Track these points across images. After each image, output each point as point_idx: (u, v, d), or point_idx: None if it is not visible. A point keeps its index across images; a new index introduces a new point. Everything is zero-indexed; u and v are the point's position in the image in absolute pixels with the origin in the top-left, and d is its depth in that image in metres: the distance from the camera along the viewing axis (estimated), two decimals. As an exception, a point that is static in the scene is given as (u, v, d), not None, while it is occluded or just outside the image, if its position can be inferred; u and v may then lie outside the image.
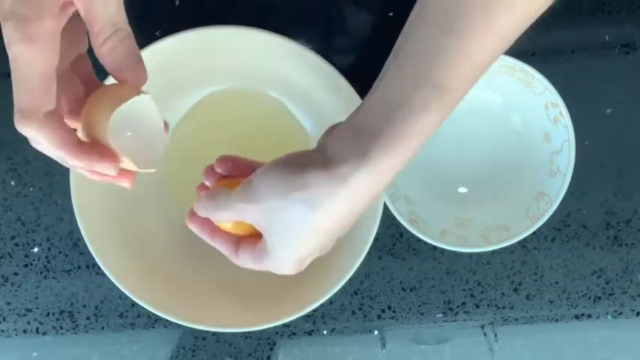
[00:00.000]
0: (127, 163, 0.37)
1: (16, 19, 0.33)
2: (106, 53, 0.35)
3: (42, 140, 0.35)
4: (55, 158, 0.37)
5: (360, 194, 0.36)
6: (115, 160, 0.37)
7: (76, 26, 0.36)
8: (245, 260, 0.42)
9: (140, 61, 0.36)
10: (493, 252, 0.59)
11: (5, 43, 0.33)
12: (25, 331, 0.61)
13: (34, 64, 0.34)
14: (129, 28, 0.36)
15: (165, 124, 0.39)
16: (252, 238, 0.42)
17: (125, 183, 0.39)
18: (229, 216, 0.41)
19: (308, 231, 0.37)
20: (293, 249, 0.39)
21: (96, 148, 0.36)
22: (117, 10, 0.35)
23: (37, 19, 0.33)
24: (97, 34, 0.35)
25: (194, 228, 0.44)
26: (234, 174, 0.44)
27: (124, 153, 0.36)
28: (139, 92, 0.36)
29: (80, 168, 0.37)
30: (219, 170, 0.44)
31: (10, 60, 0.34)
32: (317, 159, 0.36)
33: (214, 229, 0.43)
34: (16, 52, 0.33)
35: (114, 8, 0.35)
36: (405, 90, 0.35)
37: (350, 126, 0.37)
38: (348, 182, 0.35)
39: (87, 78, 0.39)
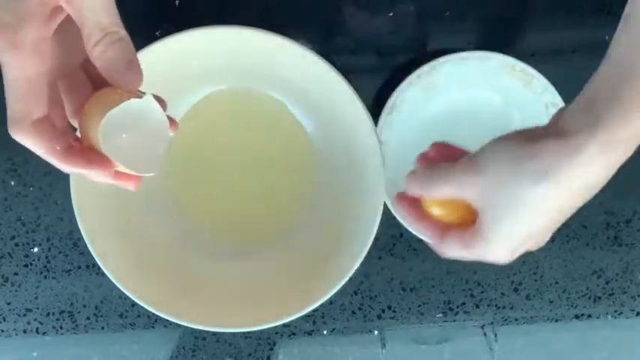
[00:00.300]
0: (124, 167, 0.37)
1: (1, 27, 0.33)
2: (96, 57, 0.35)
3: (30, 146, 0.35)
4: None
5: (593, 167, 0.34)
6: (108, 167, 0.36)
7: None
8: (452, 247, 0.40)
9: (132, 64, 0.36)
10: (493, 252, 0.59)
11: None
12: (25, 331, 0.61)
13: (21, 72, 0.34)
14: (122, 31, 0.36)
15: (173, 123, 0.38)
16: (460, 226, 0.41)
17: (128, 186, 0.39)
18: (447, 191, 0.39)
19: (535, 206, 0.35)
20: (514, 228, 0.37)
21: (87, 154, 0.36)
22: (106, 13, 0.35)
23: (22, 27, 0.33)
24: (87, 37, 0.35)
25: (401, 209, 0.43)
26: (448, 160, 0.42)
27: (117, 158, 0.36)
28: (136, 95, 0.35)
29: (76, 173, 0.37)
30: (432, 154, 0.44)
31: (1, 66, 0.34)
32: (549, 132, 0.35)
33: (421, 214, 0.42)
34: (3, 60, 0.34)
35: (102, 11, 0.35)
36: (638, 54, 0.33)
37: (583, 97, 0.35)
38: (581, 152, 0.33)
39: (98, 78, 0.38)
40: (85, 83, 0.39)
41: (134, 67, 0.36)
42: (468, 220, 0.40)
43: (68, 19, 0.36)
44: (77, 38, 0.36)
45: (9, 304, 0.61)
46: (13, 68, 0.34)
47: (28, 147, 0.35)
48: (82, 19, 0.34)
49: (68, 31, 0.36)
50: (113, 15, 0.35)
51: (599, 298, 0.61)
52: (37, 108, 0.35)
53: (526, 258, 0.60)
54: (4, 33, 0.33)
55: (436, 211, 0.41)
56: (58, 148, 0.36)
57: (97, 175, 0.37)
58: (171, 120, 0.38)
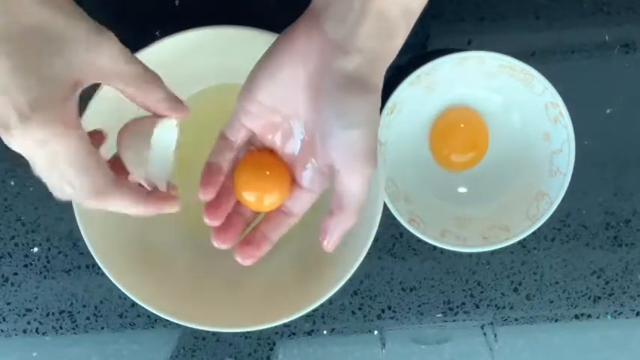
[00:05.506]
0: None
1: (44, 111, 0.33)
2: (142, 103, 0.39)
3: (120, 205, 0.39)
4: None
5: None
6: (174, 203, 0.42)
7: None
8: None
9: (171, 100, 0.41)
10: (493, 252, 0.59)
11: (37, 144, 0.34)
12: (25, 331, 0.61)
13: (80, 146, 0.35)
14: (148, 73, 0.39)
15: (183, 108, 0.43)
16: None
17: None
18: None
19: None
20: None
21: (157, 195, 0.41)
22: (129, 64, 0.37)
23: (63, 108, 0.34)
24: (128, 94, 0.38)
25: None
26: None
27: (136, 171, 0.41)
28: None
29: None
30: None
31: (46, 158, 0.34)
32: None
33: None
34: (58, 142, 0.34)
35: (127, 65, 0.37)
36: None
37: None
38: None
39: None
40: None
41: (179, 102, 0.41)
42: None
43: None
44: None
45: (9, 304, 0.61)
46: (70, 146, 0.34)
47: (118, 207, 0.39)
48: (126, 75, 0.37)
49: None
50: (137, 63, 0.38)
51: (599, 298, 0.61)
52: (107, 171, 0.37)
53: (526, 258, 0.61)
54: (51, 116, 0.33)
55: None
56: (141, 198, 0.40)
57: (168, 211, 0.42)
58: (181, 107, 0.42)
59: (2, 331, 0.61)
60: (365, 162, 0.38)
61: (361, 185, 0.38)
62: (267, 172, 0.42)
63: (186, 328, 0.55)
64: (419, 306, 0.61)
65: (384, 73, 0.38)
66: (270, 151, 0.43)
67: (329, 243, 0.41)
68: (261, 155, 0.43)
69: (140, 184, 0.41)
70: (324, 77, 0.37)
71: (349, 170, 0.38)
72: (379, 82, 0.38)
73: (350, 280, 0.52)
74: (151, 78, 0.38)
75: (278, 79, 0.39)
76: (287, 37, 0.38)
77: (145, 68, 0.38)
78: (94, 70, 0.35)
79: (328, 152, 0.38)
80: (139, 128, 0.40)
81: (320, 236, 0.41)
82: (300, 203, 0.43)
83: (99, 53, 0.35)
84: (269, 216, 0.43)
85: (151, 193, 0.41)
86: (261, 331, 0.61)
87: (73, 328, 0.61)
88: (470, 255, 0.60)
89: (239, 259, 0.43)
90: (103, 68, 0.35)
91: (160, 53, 0.50)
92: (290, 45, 0.38)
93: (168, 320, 0.52)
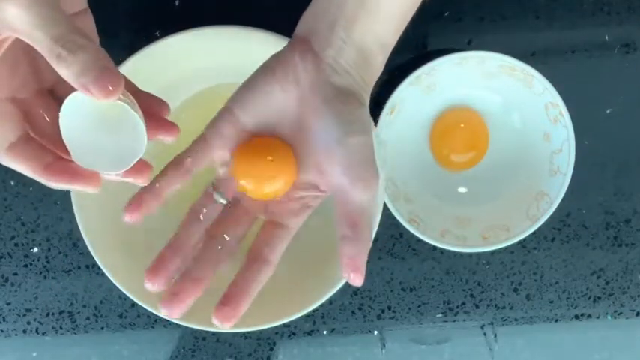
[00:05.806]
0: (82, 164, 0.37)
1: None
2: (64, 74, 0.33)
3: (14, 168, 0.36)
4: None
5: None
6: (92, 181, 0.37)
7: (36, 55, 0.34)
8: None
9: (105, 71, 0.32)
10: (493, 252, 0.59)
11: None
12: (25, 331, 0.61)
13: None
14: (81, 39, 0.33)
15: (174, 128, 0.41)
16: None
17: (137, 182, 0.40)
18: None
19: None
20: None
21: (71, 170, 0.36)
22: (57, 24, 0.32)
23: None
24: (48, 55, 0.32)
25: None
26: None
27: (75, 152, 0.36)
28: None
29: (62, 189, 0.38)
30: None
31: None
32: None
33: None
34: None
35: (52, 24, 0.32)
36: None
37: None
38: None
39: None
40: (42, 107, 0.38)
41: (108, 74, 0.32)
42: None
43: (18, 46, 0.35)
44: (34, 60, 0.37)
45: (9, 304, 0.61)
46: None
47: (13, 168, 0.36)
48: (35, 39, 0.32)
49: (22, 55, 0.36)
50: (65, 24, 0.33)
51: (599, 298, 0.61)
52: (8, 134, 0.35)
53: (526, 258, 0.61)
54: None
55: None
56: (41, 165, 0.36)
57: (84, 189, 0.37)
58: (170, 126, 0.40)
59: (2, 331, 0.61)
60: (372, 170, 0.37)
61: (372, 196, 0.37)
62: (270, 157, 0.38)
63: (186, 328, 0.55)
64: (419, 306, 0.61)
65: (369, 94, 0.39)
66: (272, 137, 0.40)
67: (357, 273, 0.38)
68: (262, 139, 0.40)
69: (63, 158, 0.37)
70: (319, 91, 0.37)
71: (357, 179, 0.36)
72: (367, 101, 0.39)
73: (350, 280, 0.52)
74: (63, 52, 0.32)
75: (269, 97, 0.39)
76: (277, 58, 0.39)
77: (61, 38, 0.32)
78: (4, 22, 0.32)
79: (332, 167, 0.37)
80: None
81: (343, 272, 0.38)
82: (280, 240, 0.41)
83: (3, 8, 0.31)
84: (247, 265, 0.41)
85: (58, 167, 0.36)
86: (261, 331, 0.61)
87: (73, 328, 0.61)
88: (470, 255, 0.60)
89: (217, 323, 0.40)
90: (11, 25, 0.32)
91: (160, 53, 0.50)
92: (283, 65, 0.38)
93: (168, 320, 0.52)
